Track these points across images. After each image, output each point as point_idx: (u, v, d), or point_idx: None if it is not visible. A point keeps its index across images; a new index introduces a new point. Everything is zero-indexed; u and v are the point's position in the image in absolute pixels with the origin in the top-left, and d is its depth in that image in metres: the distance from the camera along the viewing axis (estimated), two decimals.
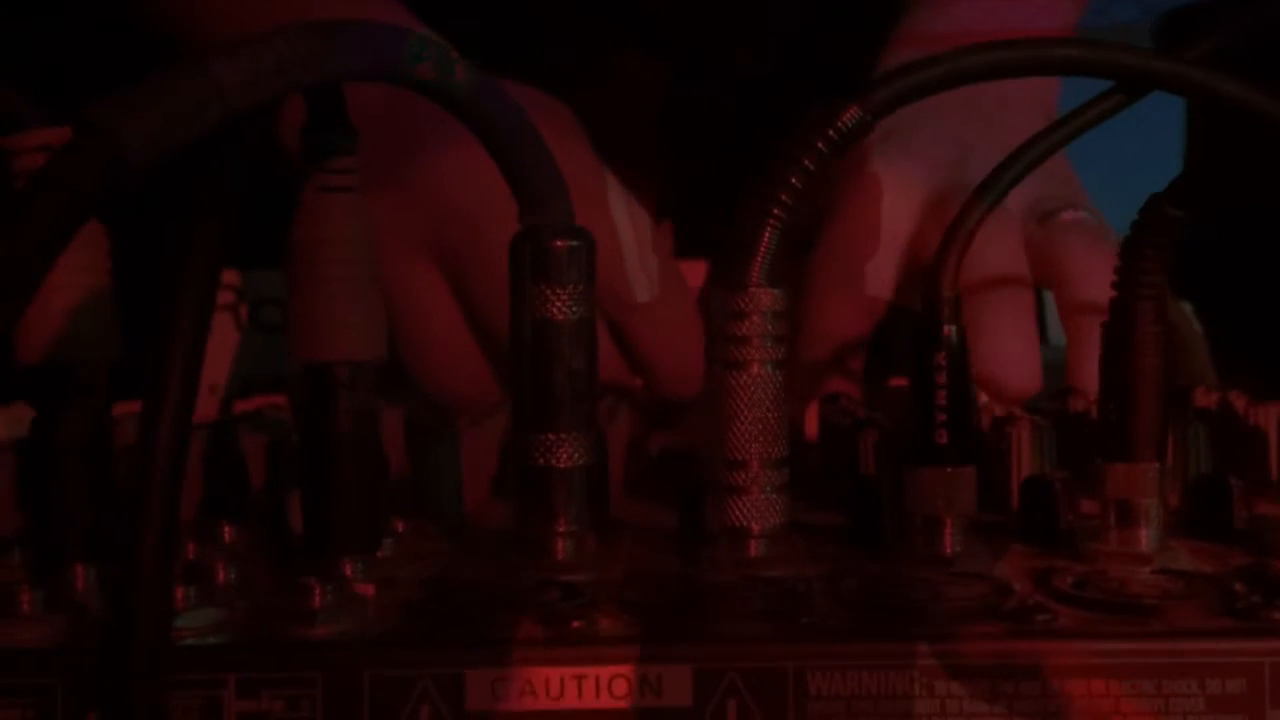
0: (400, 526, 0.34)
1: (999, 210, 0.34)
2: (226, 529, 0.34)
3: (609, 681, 0.26)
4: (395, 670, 0.26)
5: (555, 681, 0.26)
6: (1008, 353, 0.50)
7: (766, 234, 0.31)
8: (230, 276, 0.66)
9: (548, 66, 0.59)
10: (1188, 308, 0.72)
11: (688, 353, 0.53)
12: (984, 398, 0.50)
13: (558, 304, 0.31)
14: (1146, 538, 0.31)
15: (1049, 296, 0.56)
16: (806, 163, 0.31)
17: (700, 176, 0.73)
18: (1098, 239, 0.54)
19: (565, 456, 0.31)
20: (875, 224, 0.55)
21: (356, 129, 0.30)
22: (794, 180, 0.31)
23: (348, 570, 0.29)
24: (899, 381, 0.56)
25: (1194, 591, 0.28)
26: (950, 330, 0.32)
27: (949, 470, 0.32)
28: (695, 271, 0.62)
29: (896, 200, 0.55)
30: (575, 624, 0.27)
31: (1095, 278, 0.53)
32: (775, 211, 0.31)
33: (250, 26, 0.24)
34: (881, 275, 0.55)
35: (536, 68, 0.58)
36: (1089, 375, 0.51)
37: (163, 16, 0.59)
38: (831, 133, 0.31)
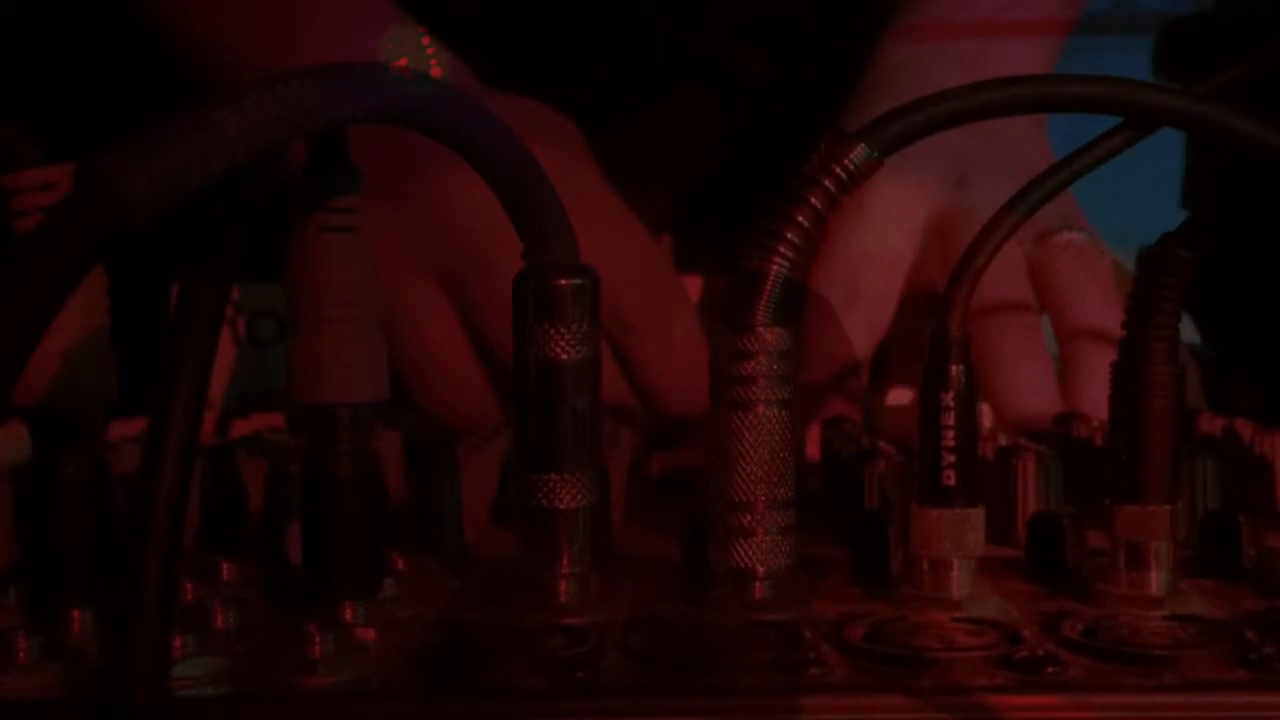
0: (401, 564, 0.33)
1: None
2: (225, 566, 0.34)
3: None
4: None
5: None
6: (1023, 380, 0.50)
7: (772, 274, 0.30)
8: None
9: (551, 83, 0.58)
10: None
11: (691, 372, 0.53)
12: (988, 425, 0.49)
13: (561, 344, 0.31)
14: (1157, 581, 0.31)
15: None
16: (814, 201, 0.30)
17: (700, 189, 0.73)
18: (1093, 261, 0.54)
19: (568, 498, 0.31)
20: (874, 247, 0.55)
21: (359, 167, 0.30)
22: (800, 219, 0.30)
23: (348, 615, 0.29)
24: (899, 395, 0.56)
25: (1206, 639, 0.28)
26: (958, 370, 0.31)
27: (957, 512, 0.31)
28: (695, 285, 0.61)
29: (896, 223, 0.55)
30: (579, 674, 0.26)
31: (1091, 300, 0.53)
32: (781, 250, 0.30)
33: (261, 46, 0.23)
34: (882, 297, 0.55)
35: (539, 83, 0.58)
36: (1086, 400, 0.51)
37: (172, 34, 0.58)
38: (839, 170, 0.30)
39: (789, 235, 0.30)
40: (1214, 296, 0.69)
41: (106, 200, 0.21)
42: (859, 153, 0.31)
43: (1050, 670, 0.26)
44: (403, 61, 0.58)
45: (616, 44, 0.70)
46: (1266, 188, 0.32)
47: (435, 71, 0.56)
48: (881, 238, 0.55)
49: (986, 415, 0.52)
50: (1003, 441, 0.42)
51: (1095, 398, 0.48)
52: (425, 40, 0.58)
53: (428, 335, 0.54)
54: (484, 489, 0.43)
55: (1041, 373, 0.51)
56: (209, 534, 0.39)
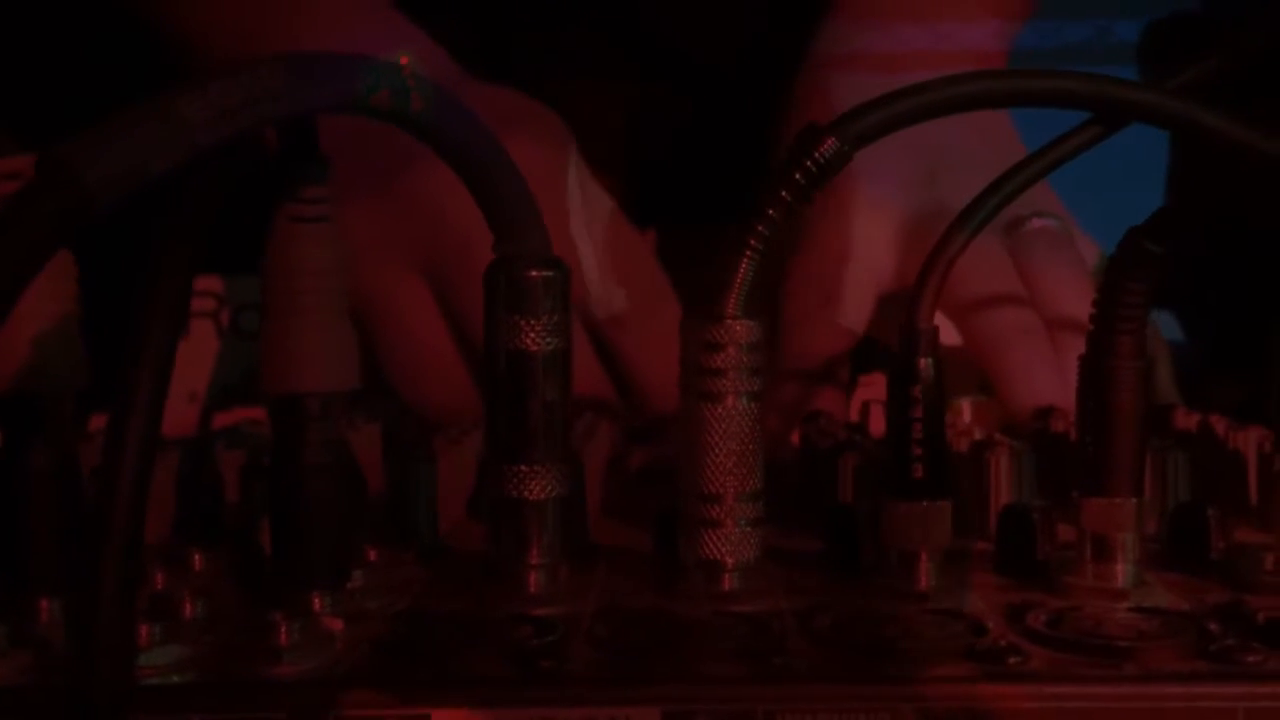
0: (373, 555, 0.33)
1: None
2: (197, 556, 0.34)
3: None
4: (361, 710, 0.25)
5: None
6: (1026, 367, 0.50)
7: (743, 266, 0.31)
8: (211, 283, 0.66)
9: (531, 75, 0.59)
10: (1156, 321, 0.72)
11: (674, 364, 0.53)
12: (966, 420, 0.49)
13: (532, 335, 0.31)
14: (1122, 573, 0.31)
15: None
16: (784, 195, 0.31)
17: (682, 184, 0.73)
18: (1065, 249, 0.54)
19: (538, 489, 0.31)
20: (849, 247, 0.55)
21: (329, 157, 0.30)
22: (771, 212, 0.30)
23: (316, 604, 0.29)
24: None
25: (1169, 631, 0.28)
26: (926, 363, 0.31)
27: (925, 505, 0.31)
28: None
29: (867, 223, 0.55)
30: (545, 663, 0.27)
31: (1066, 288, 0.53)
32: (752, 243, 0.31)
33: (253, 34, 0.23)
34: (858, 297, 0.55)
35: (521, 76, 0.58)
36: (1067, 391, 0.51)
37: (165, 25, 0.58)
38: (810, 164, 0.31)
39: (760, 228, 0.31)
40: (1196, 293, 0.70)
41: (68, 186, 0.21)
42: (829, 146, 0.31)
43: (1012, 661, 0.26)
44: (404, 60, 0.58)
45: (596, 39, 0.70)
46: (1247, 184, 0.32)
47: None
48: (856, 238, 0.56)
49: (965, 410, 0.52)
50: (978, 436, 0.42)
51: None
52: (413, 31, 0.58)
53: (410, 327, 0.54)
54: (460, 482, 0.43)
55: (1045, 360, 0.51)
56: (185, 525, 0.39)
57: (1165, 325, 0.78)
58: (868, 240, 0.55)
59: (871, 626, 0.28)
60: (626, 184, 0.62)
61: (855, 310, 0.55)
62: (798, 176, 0.31)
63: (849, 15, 0.62)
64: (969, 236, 0.32)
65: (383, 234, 0.53)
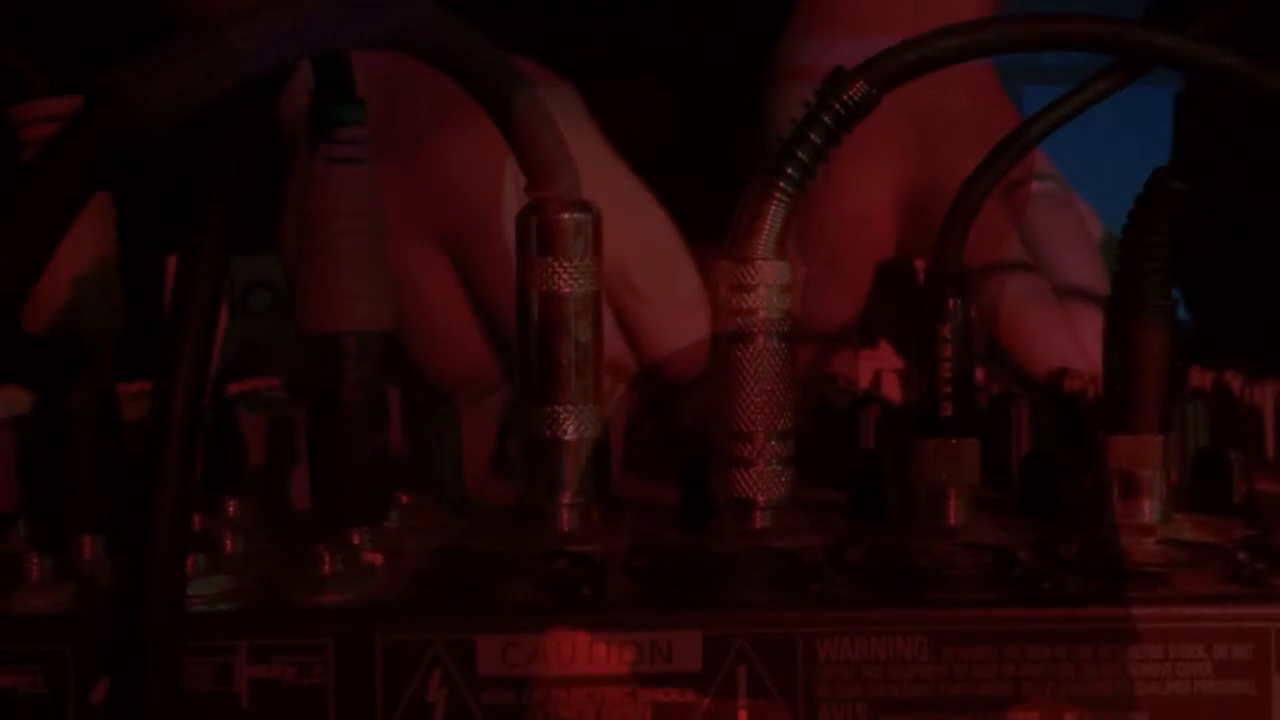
0: (405, 500, 0.34)
1: None
2: (230, 503, 0.34)
3: (619, 648, 0.26)
4: (407, 636, 0.26)
5: (566, 647, 0.26)
6: (1043, 332, 0.51)
7: (772, 207, 0.31)
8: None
9: (553, 48, 0.59)
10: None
11: (693, 337, 0.54)
12: (980, 376, 0.50)
13: (564, 277, 0.31)
14: (1150, 509, 0.32)
15: None
16: (813, 137, 0.31)
17: (706, 162, 0.73)
18: (1066, 210, 0.54)
19: (571, 428, 0.31)
20: (850, 214, 0.55)
21: (365, 102, 0.30)
22: (800, 154, 0.31)
23: (356, 539, 0.29)
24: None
25: (1199, 560, 0.28)
26: (955, 303, 0.32)
27: (954, 442, 0.32)
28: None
29: (868, 191, 0.55)
30: (584, 590, 0.27)
31: (1069, 251, 0.53)
32: (781, 185, 0.31)
33: None
34: (859, 264, 0.56)
35: (541, 49, 0.58)
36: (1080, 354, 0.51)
37: None
38: (837, 106, 0.31)
39: (789, 170, 0.31)
40: (1203, 272, 0.70)
41: (122, 109, 0.21)
42: (858, 89, 0.31)
43: (1047, 585, 0.27)
44: None
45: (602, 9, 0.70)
46: (1254, 158, 0.32)
47: None
48: (856, 205, 0.56)
49: (979, 373, 0.52)
50: (996, 390, 0.42)
51: (1091, 352, 0.49)
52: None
53: (429, 298, 0.55)
54: (483, 441, 0.43)
55: (1059, 323, 0.51)
56: (212, 485, 0.39)
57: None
58: (868, 207, 0.56)
59: (904, 557, 0.29)
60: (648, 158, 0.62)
61: (858, 278, 0.56)
62: (826, 119, 0.31)
63: (806, 27, 0.62)
64: (997, 176, 0.32)
65: (402, 206, 0.53)
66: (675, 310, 0.56)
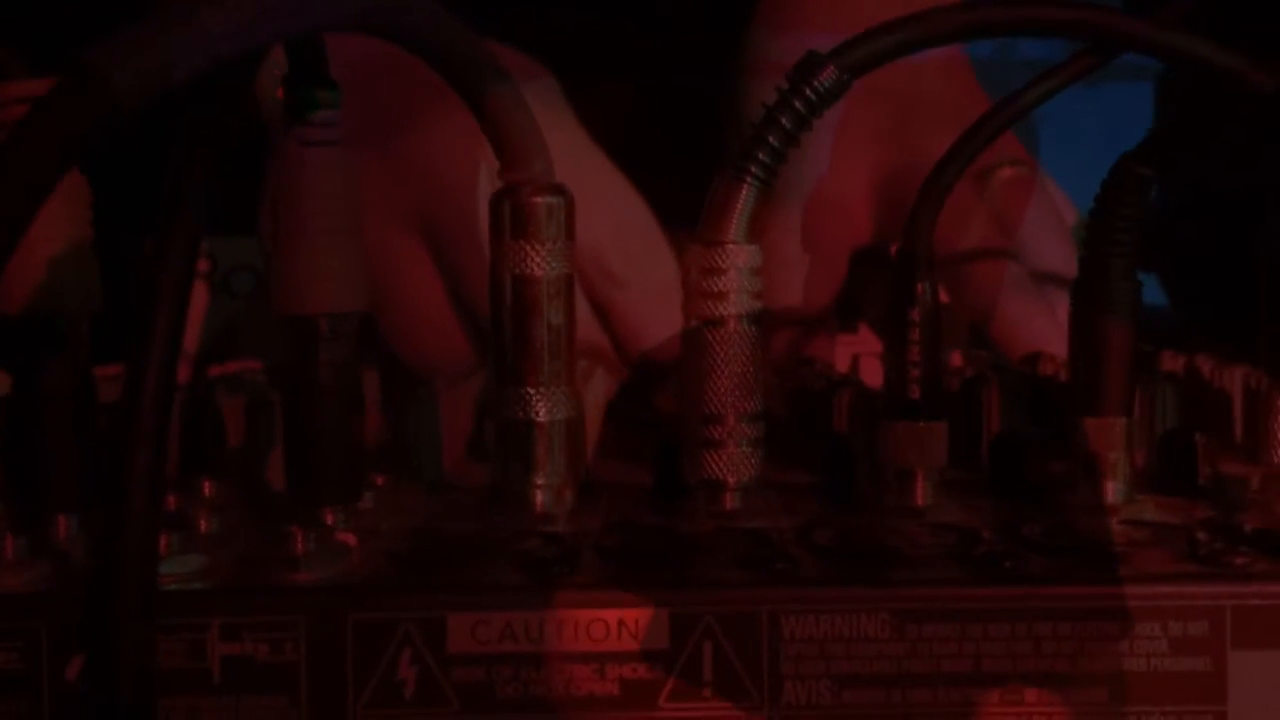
0: (380, 480, 0.34)
1: None
2: (206, 484, 0.35)
3: (587, 625, 0.26)
4: (378, 614, 0.26)
5: (535, 625, 0.26)
6: (1023, 318, 0.51)
7: (744, 192, 0.31)
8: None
9: (530, 35, 0.59)
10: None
11: (668, 321, 0.54)
12: (957, 361, 0.50)
13: (537, 259, 0.31)
14: (1113, 490, 0.32)
15: None
16: (784, 122, 0.31)
17: (683, 147, 0.73)
18: (1037, 195, 0.55)
19: (544, 410, 0.32)
20: (824, 200, 0.56)
21: (340, 86, 0.30)
22: (771, 139, 0.31)
23: (329, 519, 0.30)
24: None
25: (1159, 540, 0.29)
26: (924, 287, 0.32)
27: (921, 425, 0.32)
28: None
29: (841, 177, 0.56)
30: (555, 569, 0.27)
31: (1043, 235, 0.54)
32: (753, 170, 0.31)
33: None
34: (835, 249, 0.56)
35: (520, 35, 0.58)
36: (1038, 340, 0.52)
37: None
38: (809, 92, 0.31)
39: (760, 155, 0.31)
40: (1180, 256, 0.71)
41: (97, 88, 0.22)
42: (829, 74, 0.31)
43: (1008, 564, 0.27)
44: None
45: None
46: (1233, 110, 0.33)
47: None
48: (830, 192, 0.57)
49: (955, 358, 0.53)
50: (968, 373, 0.43)
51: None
52: None
53: (406, 285, 0.55)
54: (460, 424, 0.44)
55: (1038, 309, 0.52)
56: (189, 466, 0.39)
57: (1150, 288, 0.79)
58: (843, 191, 0.56)
59: (870, 537, 0.29)
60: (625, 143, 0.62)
61: (833, 264, 0.56)
62: (797, 104, 0.31)
63: (768, 24, 0.62)
64: (966, 161, 0.33)
65: (380, 193, 0.54)
66: (651, 294, 0.56)
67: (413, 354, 0.56)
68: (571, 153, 0.56)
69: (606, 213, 0.55)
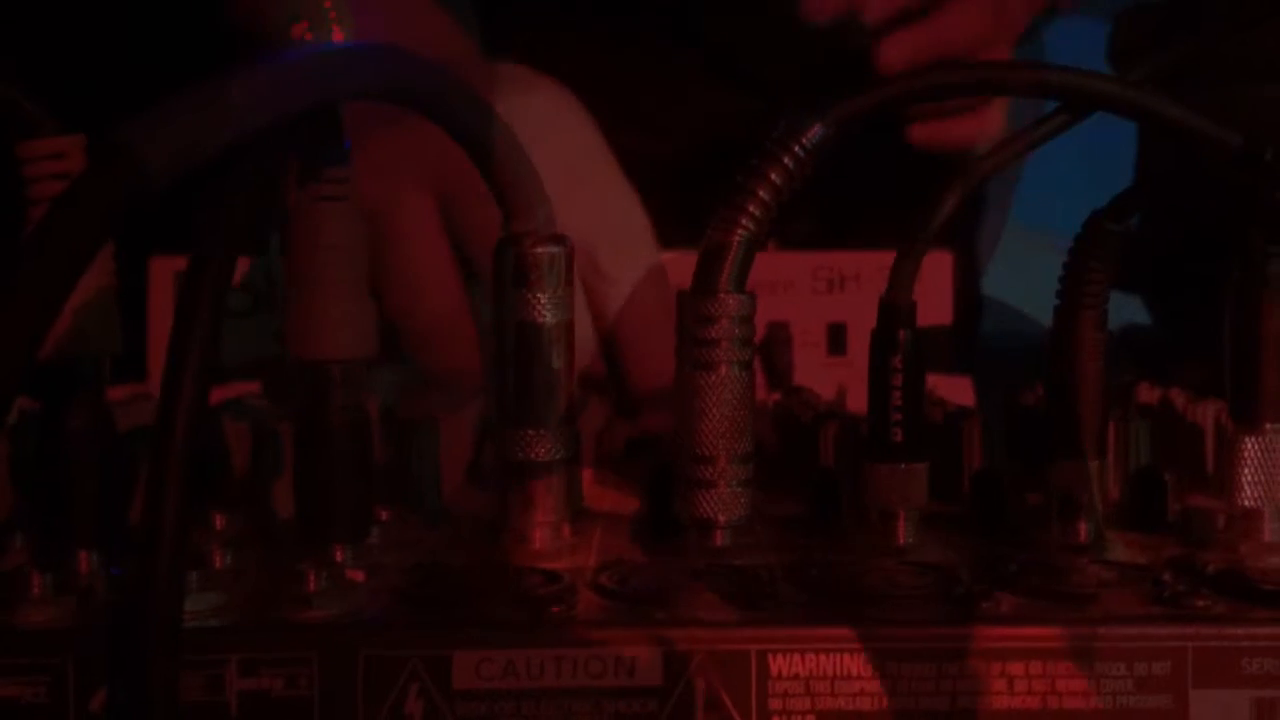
0: (384, 515, 0.36)
1: None
2: (218, 517, 0.36)
3: (585, 662, 0.28)
4: (387, 651, 0.28)
5: (535, 662, 0.28)
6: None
7: (735, 243, 0.33)
8: None
9: (543, 55, 0.60)
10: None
11: (655, 320, 0.56)
12: (939, 394, 0.52)
13: (539, 308, 0.33)
14: (1085, 530, 0.34)
15: None
16: (773, 177, 0.33)
17: (683, 168, 0.75)
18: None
19: (544, 451, 0.33)
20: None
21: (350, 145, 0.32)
22: (761, 193, 0.33)
23: (339, 557, 0.31)
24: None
25: (1126, 580, 0.30)
26: (905, 335, 0.34)
27: (903, 467, 0.34)
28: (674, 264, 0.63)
29: None
30: (554, 609, 0.29)
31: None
32: (743, 222, 0.33)
33: None
34: None
35: (534, 56, 0.60)
36: None
37: None
38: (797, 149, 0.33)
39: (750, 208, 0.33)
40: (1164, 277, 0.72)
41: (130, 167, 0.23)
42: (815, 132, 0.33)
43: (984, 605, 0.29)
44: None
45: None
46: (1200, 168, 0.34)
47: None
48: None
49: (937, 387, 0.54)
50: (950, 408, 0.44)
51: None
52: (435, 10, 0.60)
53: (409, 233, 0.55)
54: (460, 451, 0.45)
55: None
56: (195, 493, 0.40)
57: (1133, 311, 0.81)
58: None
59: (854, 577, 0.31)
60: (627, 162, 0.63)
61: None
62: (785, 160, 0.33)
63: None
64: (944, 219, 0.34)
65: (395, 152, 0.54)
66: (639, 291, 0.57)
67: (405, 309, 0.55)
68: (580, 153, 0.57)
69: (603, 211, 0.56)
